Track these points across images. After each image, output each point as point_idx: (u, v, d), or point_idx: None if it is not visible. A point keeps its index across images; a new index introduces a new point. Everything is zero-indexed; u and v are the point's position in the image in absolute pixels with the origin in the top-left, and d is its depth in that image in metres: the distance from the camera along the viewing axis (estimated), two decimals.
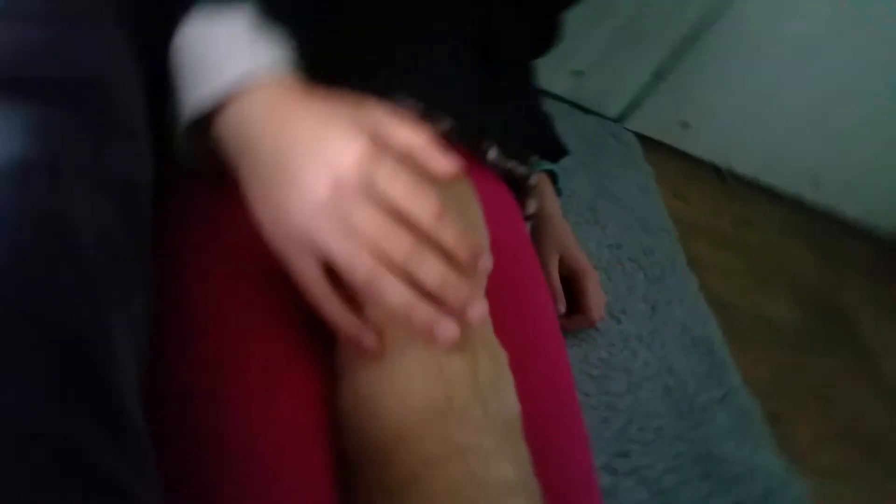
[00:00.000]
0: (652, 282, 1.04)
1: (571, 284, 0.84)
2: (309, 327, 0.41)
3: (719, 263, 1.21)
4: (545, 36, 0.79)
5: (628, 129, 1.30)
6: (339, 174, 0.35)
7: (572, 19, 0.76)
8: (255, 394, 0.38)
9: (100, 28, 0.33)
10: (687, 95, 1.28)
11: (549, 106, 1.04)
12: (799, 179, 1.49)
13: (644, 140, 1.31)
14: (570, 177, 1.09)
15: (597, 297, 0.85)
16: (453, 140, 0.56)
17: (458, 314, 0.37)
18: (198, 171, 0.42)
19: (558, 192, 0.88)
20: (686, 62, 1.22)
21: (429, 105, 0.53)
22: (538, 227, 0.83)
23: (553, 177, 0.88)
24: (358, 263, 0.35)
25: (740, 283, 1.21)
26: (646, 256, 1.07)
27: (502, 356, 0.42)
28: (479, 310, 0.38)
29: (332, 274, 0.38)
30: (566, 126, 1.16)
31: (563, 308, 0.82)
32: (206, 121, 0.39)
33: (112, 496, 0.23)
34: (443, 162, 0.36)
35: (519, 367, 0.43)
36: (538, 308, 0.58)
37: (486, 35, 0.61)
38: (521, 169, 0.64)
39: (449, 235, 0.36)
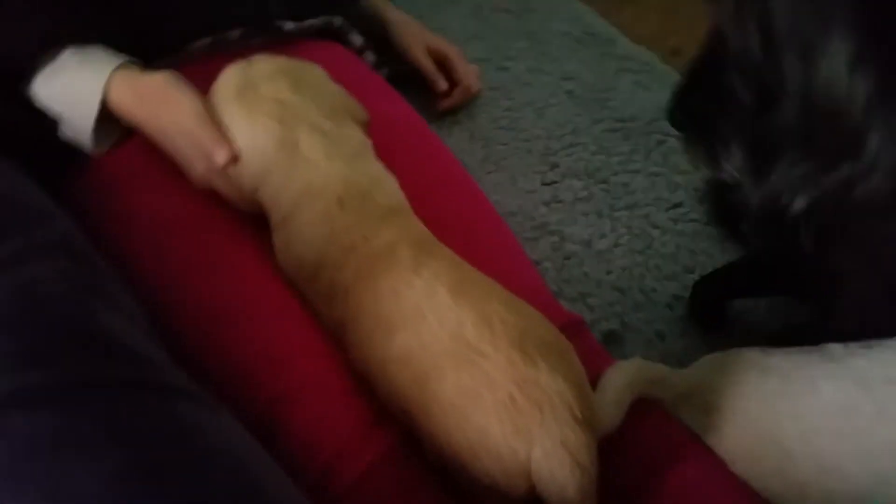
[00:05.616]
0: (522, 16, 1.12)
1: (442, 66, 0.95)
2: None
3: None
4: None
5: None
6: None
7: None
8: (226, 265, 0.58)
9: None
10: None
11: None
12: None
13: None
14: None
15: (465, 67, 0.96)
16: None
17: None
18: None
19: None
20: None
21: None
22: (394, 35, 0.93)
23: None
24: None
25: None
26: (518, 3, 1.14)
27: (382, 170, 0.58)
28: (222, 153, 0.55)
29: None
30: None
31: (443, 84, 0.94)
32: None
33: None
34: None
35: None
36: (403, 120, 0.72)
37: None
38: (317, 23, 0.75)
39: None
